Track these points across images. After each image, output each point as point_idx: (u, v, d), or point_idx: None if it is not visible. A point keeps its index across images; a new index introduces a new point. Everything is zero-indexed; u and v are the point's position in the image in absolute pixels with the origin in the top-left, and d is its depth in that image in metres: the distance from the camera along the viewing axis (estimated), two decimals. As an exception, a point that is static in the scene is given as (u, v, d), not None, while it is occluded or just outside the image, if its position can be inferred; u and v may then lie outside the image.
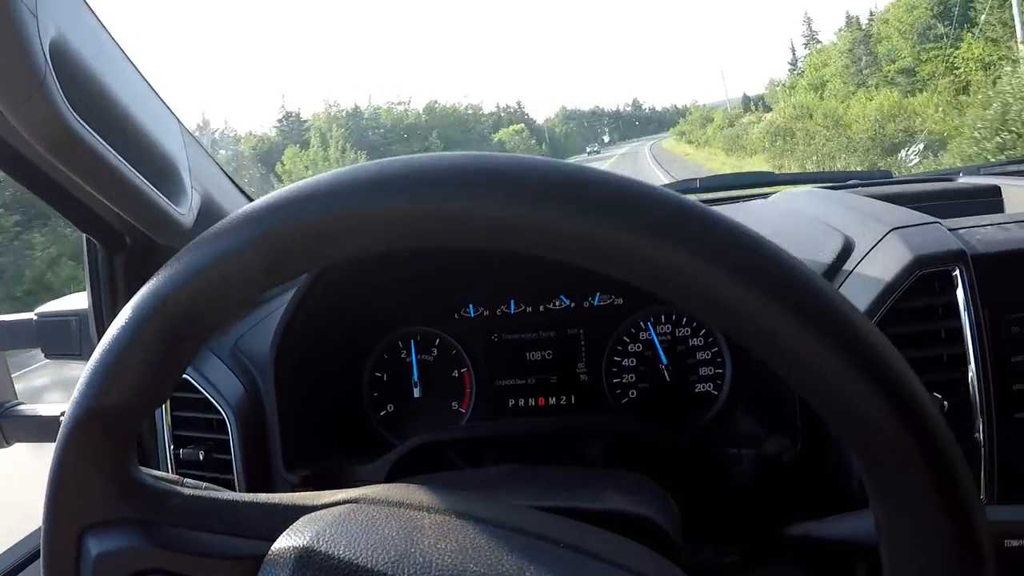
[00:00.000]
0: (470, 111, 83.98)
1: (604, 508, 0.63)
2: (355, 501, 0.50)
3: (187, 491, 0.51)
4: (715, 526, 0.84)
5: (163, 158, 1.01)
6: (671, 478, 0.77)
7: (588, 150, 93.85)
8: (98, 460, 0.47)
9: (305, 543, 0.45)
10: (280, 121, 68.79)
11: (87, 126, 0.82)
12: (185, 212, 1.02)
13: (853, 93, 29.44)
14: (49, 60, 0.76)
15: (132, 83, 0.98)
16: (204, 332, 0.46)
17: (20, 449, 1.31)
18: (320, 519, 0.48)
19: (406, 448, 0.98)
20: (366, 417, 1.17)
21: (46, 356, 1.30)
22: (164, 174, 1.01)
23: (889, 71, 29.86)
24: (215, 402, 1.02)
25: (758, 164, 27.74)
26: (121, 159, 0.88)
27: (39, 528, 0.49)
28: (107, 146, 0.86)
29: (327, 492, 0.52)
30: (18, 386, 1.34)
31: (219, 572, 0.48)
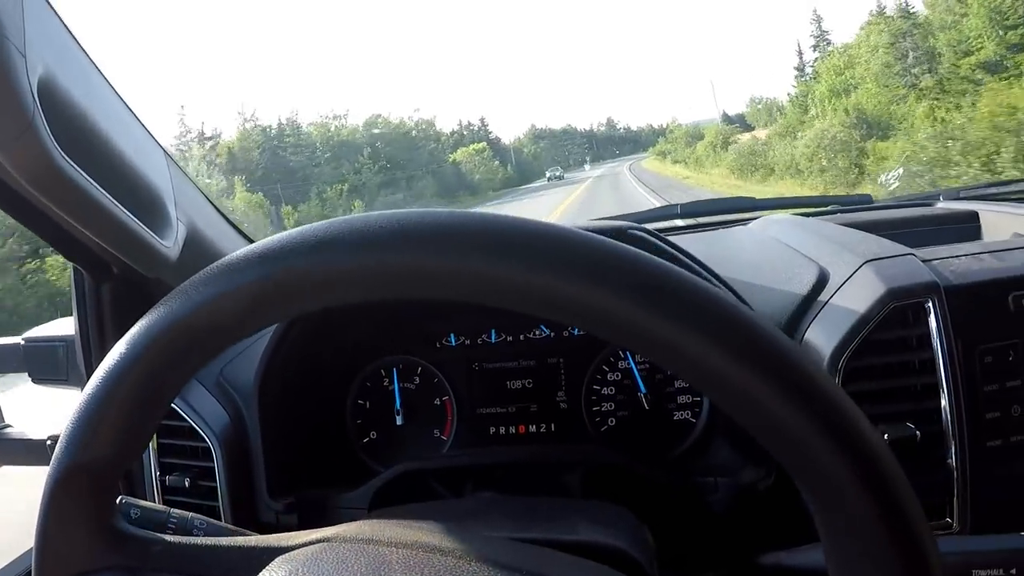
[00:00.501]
0: (421, 127, 74.24)
1: (579, 539, 0.64)
2: (327, 540, 0.51)
3: (168, 538, 0.53)
4: (691, 554, 0.85)
5: (148, 190, 1.02)
6: (648, 507, 0.78)
7: (548, 175, 77.43)
8: (81, 514, 0.49)
9: None
10: (178, 139, 54.88)
11: (73, 163, 0.83)
12: (170, 245, 1.03)
13: (903, 97, 24.14)
14: (37, 100, 0.77)
15: (119, 116, 0.99)
16: (178, 383, 0.48)
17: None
18: (293, 559, 0.49)
19: (388, 476, 0.98)
20: (349, 444, 1.18)
21: (33, 381, 1.30)
22: (149, 207, 1.02)
23: (961, 65, 21.67)
24: (200, 430, 1.03)
25: (797, 189, 22.32)
26: (106, 194, 0.89)
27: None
28: (92, 182, 0.87)
29: (303, 532, 0.53)
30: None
31: None
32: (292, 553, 0.50)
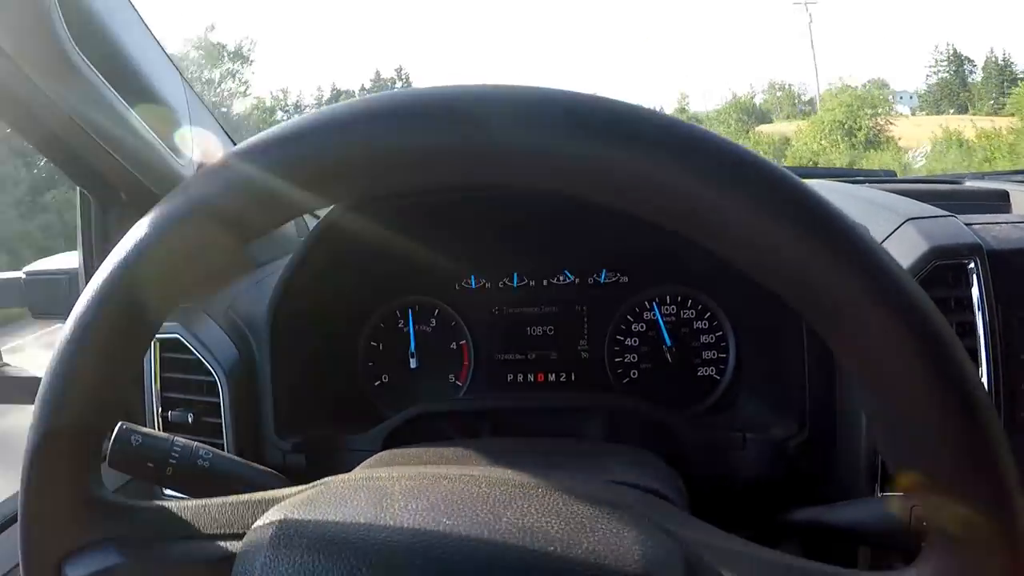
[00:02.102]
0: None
1: (613, 480, 0.61)
2: (323, 484, 0.50)
3: (155, 504, 0.51)
4: (719, 511, 0.83)
5: (164, 106, 1.00)
6: (673, 460, 0.76)
7: None
8: (62, 485, 0.47)
9: (276, 527, 0.44)
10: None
11: (89, 62, 0.81)
12: (185, 164, 1.01)
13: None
14: None
15: (137, 31, 0.97)
16: (154, 320, 0.46)
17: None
18: (289, 504, 0.47)
19: (402, 418, 0.96)
20: (361, 387, 1.15)
21: (33, 316, 1.27)
22: (164, 123, 0.99)
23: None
24: (207, 363, 0.99)
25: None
26: (122, 100, 0.87)
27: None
28: (115, 92, 0.84)
29: (297, 488, 0.51)
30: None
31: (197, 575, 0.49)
32: (288, 500, 0.48)
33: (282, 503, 0.48)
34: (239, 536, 0.47)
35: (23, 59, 0.76)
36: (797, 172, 1.41)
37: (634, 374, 1.10)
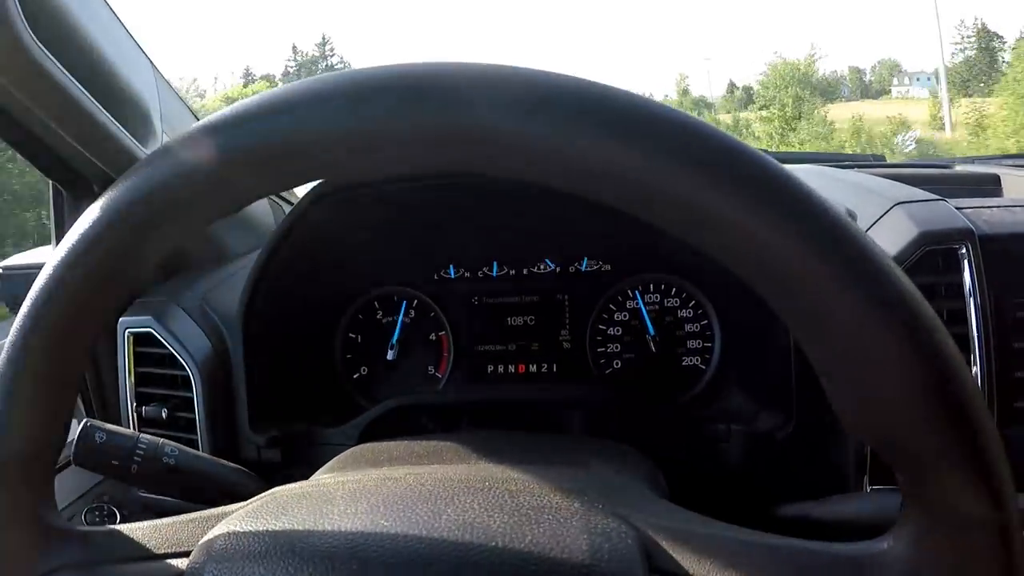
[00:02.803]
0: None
1: (591, 475, 0.59)
2: (272, 495, 0.49)
3: (106, 528, 0.50)
4: (704, 505, 0.80)
5: (132, 98, 0.98)
6: (656, 453, 0.74)
7: None
8: (12, 518, 0.46)
9: (220, 541, 0.44)
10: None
11: (53, 58, 0.79)
12: None
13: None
14: None
15: (104, 22, 0.95)
16: (87, 344, 0.45)
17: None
18: (235, 517, 0.47)
19: (379, 411, 0.94)
20: (338, 379, 1.13)
21: (11, 311, 1.26)
22: (133, 114, 0.97)
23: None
24: (180, 358, 0.97)
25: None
26: (87, 94, 0.85)
27: None
28: (73, 80, 0.83)
29: (248, 501, 0.51)
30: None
31: None
32: (235, 513, 0.48)
33: (229, 517, 0.47)
34: (188, 554, 0.46)
35: None
36: (782, 157, 1.39)
37: (616, 364, 1.08)
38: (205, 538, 0.45)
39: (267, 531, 0.44)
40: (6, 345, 0.43)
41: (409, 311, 1.12)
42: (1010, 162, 1.67)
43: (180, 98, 1.16)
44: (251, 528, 0.44)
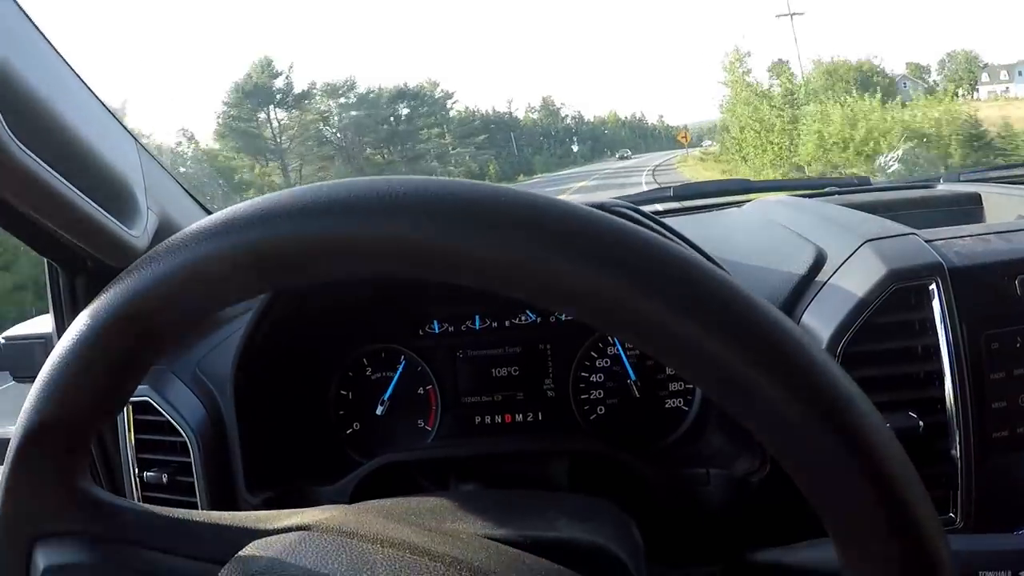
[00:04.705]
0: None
1: (558, 537, 0.60)
2: (307, 528, 0.49)
3: (140, 507, 0.50)
4: (683, 548, 0.81)
5: (116, 180, 0.99)
6: (638, 498, 0.75)
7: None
8: (50, 472, 0.47)
9: (253, 571, 0.44)
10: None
11: (32, 154, 0.80)
12: (139, 234, 1.00)
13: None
14: None
15: (83, 104, 0.96)
16: (163, 344, 0.46)
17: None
18: (270, 546, 0.47)
19: (368, 469, 0.95)
20: (332, 436, 1.14)
21: (15, 379, 1.28)
22: (117, 196, 0.99)
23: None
24: (177, 425, 1.00)
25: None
26: (69, 186, 0.86)
27: None
28: (54, 173, 0.84)
29: (281, 513, 0.51)
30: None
31: None
32: (269, 539, 0.48)
33: (262, 542, 0.48)
34: (214, 561, 0.47)
35: None
36: (768, 186, 1.40)
37: (600, 410, 1.09)
38: (232, 565, 0.45)
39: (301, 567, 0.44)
40: (83, 315, 0.44)
41: (396, 367, 1.14)
42: (996, 173, 1.67)
43: (164, 168, 1.18)
44: (286, 568, 0.44)
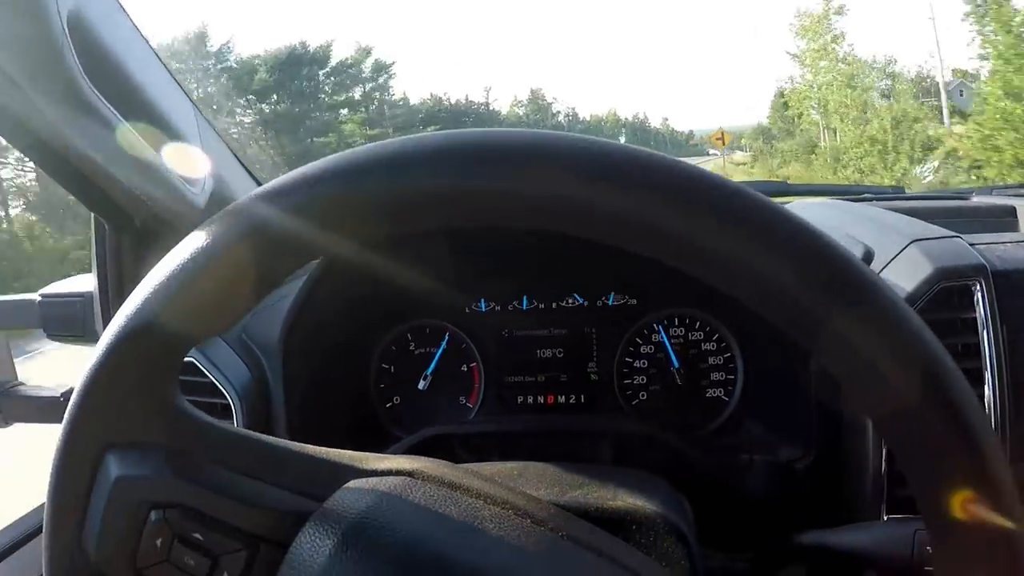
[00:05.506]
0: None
1: (620, 506, 0.61)
2: (410, 474, 0.47)
3: (230, 428, 0.48)
4: (726, 532, 0.83)
5: (176, 135, 1.00)
6: (682, 482, 0.76)
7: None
8: (140, 376, 0.44)
9: (360, 510, 0.43)
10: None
11: (103, 99, 0.81)
12: (198, 192, 1.01)
13: None
14: (67, 31, 0.75)
15: (147, 62, 0.98)
16: (289, 268, 0.44)
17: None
18: (376, 487, 0.45)
19: (414, 440, 0.96)
20: (372, 409, 1.16)
21: (48, 336, 1.29)
22: (178, 152, 0.99)
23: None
24: (221, 387, 1.00)
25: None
26: (136, 134, 0.88)
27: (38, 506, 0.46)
28: (122, 120, 0.85)
29: (370, 456, 0.49)
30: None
31: (251, 520, 0.45)
32: (371, 480, 0.46)
33: (366, 481, 0.46)
34: (310, 496, 0.45)
35: (36, 91, 0.77)
36: (806, 189, 1.41)
37: (643, 396, 1.11)
38: (336, 502, 0.44)
39: (413, 523, 0.43)
40: (199, 231, 0.42)
41: (440, 343, 1.16)
42: (1028, 190, 1.68)
43: (217, 133, 1.20)
44: (395, 511, 0.43)
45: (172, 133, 0.99)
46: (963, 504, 0.36)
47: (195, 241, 0.42)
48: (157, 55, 1.02)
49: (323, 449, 0.49)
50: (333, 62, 42.04)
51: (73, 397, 0.44)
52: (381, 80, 45.04)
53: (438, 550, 0.41)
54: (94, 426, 0.44)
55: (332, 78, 42.96)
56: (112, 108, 0.83)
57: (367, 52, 44.27)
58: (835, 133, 23.81)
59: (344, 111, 43.05)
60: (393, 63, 45.17)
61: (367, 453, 0.50)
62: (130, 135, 0.87)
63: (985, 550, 0.36)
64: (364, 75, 44.40)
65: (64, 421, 0.44)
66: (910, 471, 0.37)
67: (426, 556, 0.41)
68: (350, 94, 43.98)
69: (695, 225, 0.36)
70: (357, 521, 0.42)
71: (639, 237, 0.38)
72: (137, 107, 0.91)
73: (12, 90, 0.77)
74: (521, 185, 0.38)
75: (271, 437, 0.49)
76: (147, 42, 0.99)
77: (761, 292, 0.37)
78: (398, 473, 0.47)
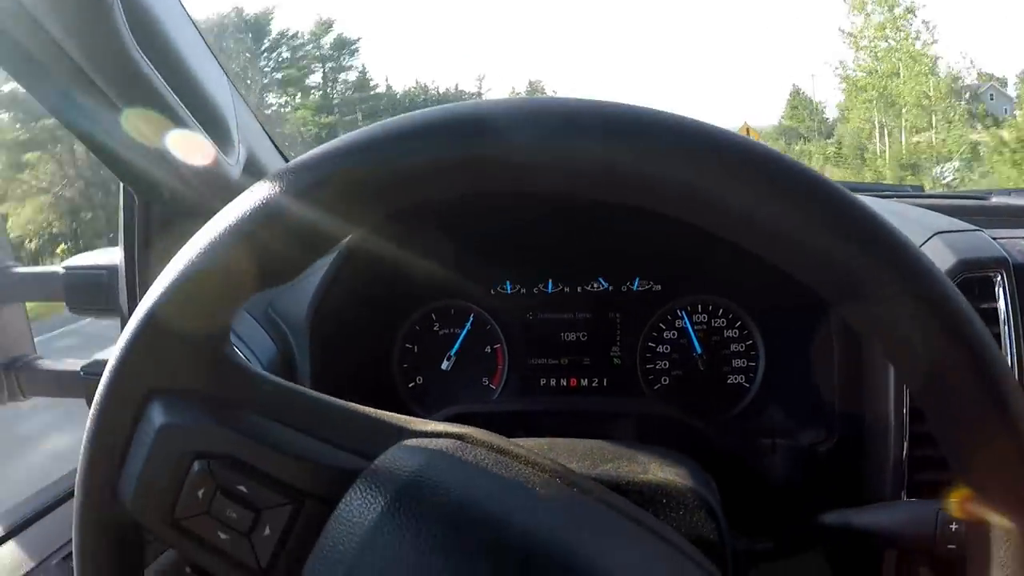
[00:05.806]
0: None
1: (652, 479, 0.62)
2: (460, 438, 0.47)
3: (281, 381, 0.47)
4: (748, 515, 0.84)
5: (214, 108, 1.01)
6: (703, 465, 0.78)
7: None
8: (194, 321, 0.43)
9: (413, 469, 0.42)
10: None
11: (153, 67, 0.82)
12: (234, 163, 1.02)
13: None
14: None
15: (188, 33, 0.98)
16: (352, 226, 0.42)
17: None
18: (427, 448, 0.44)
19: (439, 418, 0.97)
20: (394, 388, 1.17)
21: (71, 310, 1.28)
22: (214, 123, 1.01)
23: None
24: (247, 360, 1.02)
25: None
26: (178, 100, 0.88)
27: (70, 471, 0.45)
28: (166, 85, 0.86)
29: (424, 421, 0.49)
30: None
31: (298, 475, 0.44)
32: (423, 440, 0.45)
33: (417, 442, 0.45)
34: (360, 454, 0.44)
35: (85, 59, 0.78)
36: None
37: (665, 380, 1.12)
38: (387, 460, 0.43)
39: (466, 485, 0.42)
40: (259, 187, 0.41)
41: (465, 324, 1.17)
42: (1049, 194, 1.69)
43: (250, 108, 1.20)
44: (447, 472, 0.43)
45: (210, 104, 1.00)
46: (999, 460, 0.37)
47: (260, 191, 0.41)
48: (196, 26, 1.02)
49: (371, 409, 0.48)
50: (274, 33, 35.95)
51: (120, 341, 0.43)
52: (343, 60, 39.27)
53: (491, 510, 0.41)
54: (141, 371, 0.43)
55: (273, 53, 36.92)
56: (157, 74, 0.84)
57: (327, 26, 38.45)
58: (890, 134, 21.72)
59: (296, 95, 37.72)
60: (358, 39, 39.32)
61: (406, 417, 0.49)
62: (176, 105, 0.87)
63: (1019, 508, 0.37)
64: (322, 52, 38.58)
65: (108, 366, 0.44)
66: (944, 430, 0.38)
67: (479, 515, 0.40)
68: (299, 73, 37.93)
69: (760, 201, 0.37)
70: (410, 480, 0.41)
71: (705, 210, 0.38)
72: (178, 74, 0.91)
73: (61, 59, 0.78)
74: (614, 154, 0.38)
75: (321, 394, 0.48)
76: (187, 12, 1.00)
77: (815, 264, 0.37)
78: (448, 436, 0.47)
